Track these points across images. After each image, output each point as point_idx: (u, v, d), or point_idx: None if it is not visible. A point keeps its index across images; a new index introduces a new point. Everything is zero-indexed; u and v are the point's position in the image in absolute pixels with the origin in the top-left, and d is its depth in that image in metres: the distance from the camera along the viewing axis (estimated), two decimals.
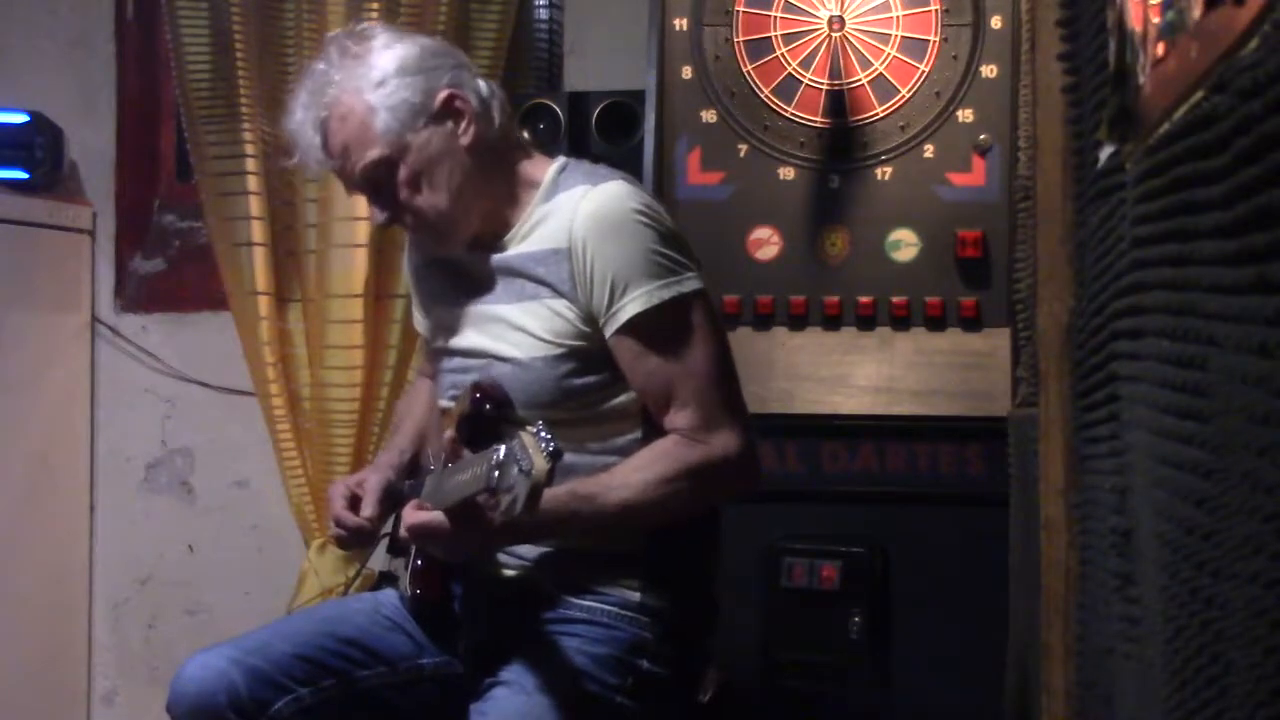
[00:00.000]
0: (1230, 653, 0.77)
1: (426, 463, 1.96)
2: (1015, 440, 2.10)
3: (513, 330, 1.81)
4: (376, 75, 1.80)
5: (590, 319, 1.77)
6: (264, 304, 3.08)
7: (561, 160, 1.91)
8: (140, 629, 3.44)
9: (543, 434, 1.52)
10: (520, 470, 1.50)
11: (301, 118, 1.83)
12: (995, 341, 2.41)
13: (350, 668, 1.83)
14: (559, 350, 1.78)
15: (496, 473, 1.53)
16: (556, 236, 1.79)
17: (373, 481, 1.93)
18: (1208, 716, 0.81)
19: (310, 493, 3.08)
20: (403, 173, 1.81)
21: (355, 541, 1.95)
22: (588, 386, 1.80)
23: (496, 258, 1.85)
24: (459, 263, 1.92)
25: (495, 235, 1.87)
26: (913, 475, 2.44)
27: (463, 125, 1.83)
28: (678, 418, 1.76)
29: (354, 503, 1.91)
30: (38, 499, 3.30)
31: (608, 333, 1.76)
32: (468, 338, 1.88)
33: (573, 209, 1.78)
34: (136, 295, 3.45)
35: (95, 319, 3.44)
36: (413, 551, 1.87)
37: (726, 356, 1.83)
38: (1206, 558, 0.81)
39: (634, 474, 1.74)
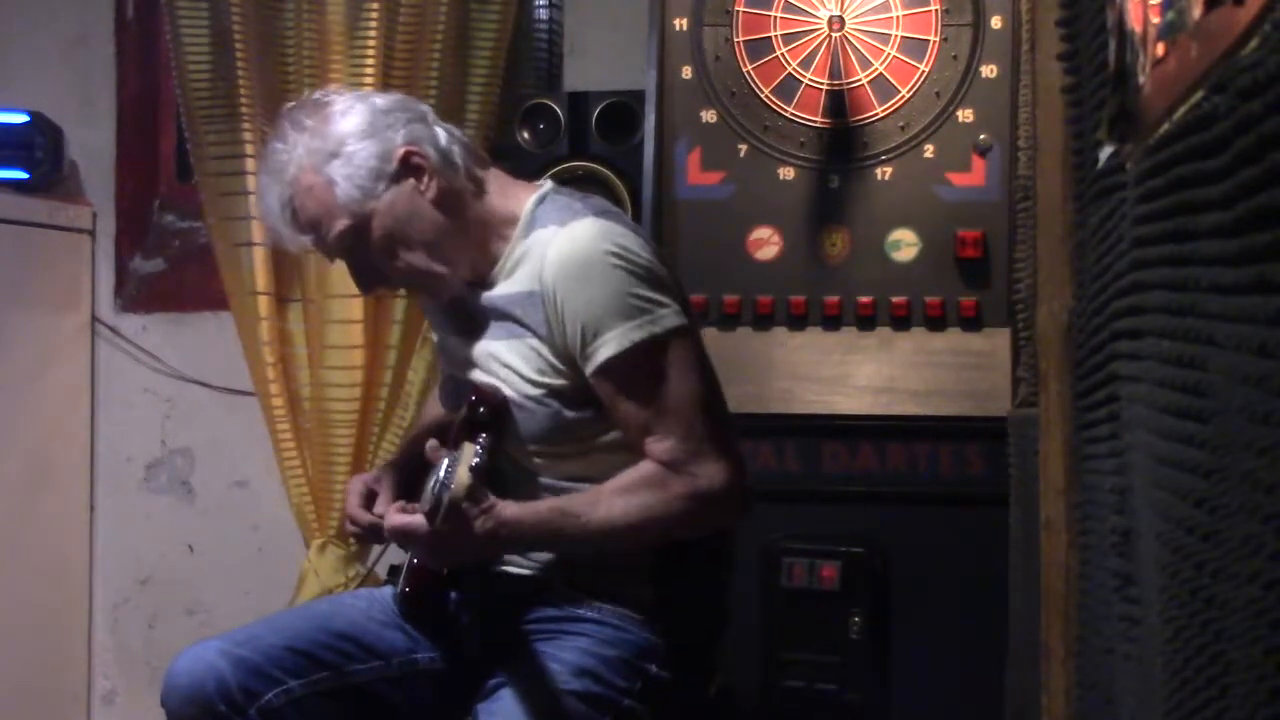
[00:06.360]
0: (1230, 653, 0.77)
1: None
2: (1015, 440, 2.10)
3: (504, 368, 1.81)
4: (331, 146, 1.79)
5: (568, 359, 1.76)
6: (264, 304, 3.08)
7: (541, 190, 1.88)
8: (140, 629, 3.44)
9: (479, 447, 1.58)
10: (444, 484, 1.58)
11: (269, 202, 1.83)
12: (995, 341, 2.42)
13: (343, 661, 1.83)
14: (543, 390, 1.78)
15: (438, 483, 1.61)
16: (530, 279, 1.79)
17: (389, 479, 1.94)
18: (1208, 716, 0.81)
19: (310, 493, 3.08)
20: (373, 237, 1.80)
21: (370, 538, 1.97)
22: (582, 420, 1.79)
23: (486, 296, 1.85)
24: (458, 298, 1.91)
25: (484, 272, 1.86)
26: (913, 475, 2.44)
27: (424, 180, 1.81)
28: (658, 448, 1.74)
29: (371, 499, 1.92)
30: (38, 499, 3.30)
31: (586, 373, 1.75)
32: (468, 371, 1.88)
33: (543, 251, 1.78)
34: (136, 295, 3.45)
35: (95, 319, 3.43)
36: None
37: (712, 390, 1.81)
38: (1206, 558, 0.81)
39: (618, 497, 1.73)
